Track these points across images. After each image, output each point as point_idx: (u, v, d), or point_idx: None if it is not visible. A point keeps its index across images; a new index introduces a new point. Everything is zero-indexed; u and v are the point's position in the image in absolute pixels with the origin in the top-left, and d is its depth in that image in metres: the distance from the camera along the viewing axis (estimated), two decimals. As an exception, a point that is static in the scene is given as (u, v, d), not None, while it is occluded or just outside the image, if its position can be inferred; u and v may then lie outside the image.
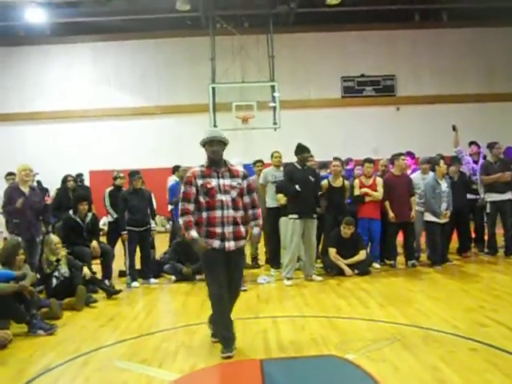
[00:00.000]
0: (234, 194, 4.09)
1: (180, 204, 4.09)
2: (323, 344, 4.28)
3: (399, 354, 3.96)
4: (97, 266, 7.20)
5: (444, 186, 7.56)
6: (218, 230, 4.02)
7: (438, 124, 14.47)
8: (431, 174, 7.88)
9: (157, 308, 6.12)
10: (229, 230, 4.04)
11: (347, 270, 7.08)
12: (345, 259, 7.18)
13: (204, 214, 4.04)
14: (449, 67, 15.28)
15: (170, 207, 9.52)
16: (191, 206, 4.04)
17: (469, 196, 8.33)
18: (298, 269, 7.17)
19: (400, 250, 7.94)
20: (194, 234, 4.00)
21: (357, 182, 7.76)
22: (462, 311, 5.16)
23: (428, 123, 14.89)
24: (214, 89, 13.86)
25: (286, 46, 14.73)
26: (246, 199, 4.20)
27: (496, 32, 15.39)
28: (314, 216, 6.92)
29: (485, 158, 8.90)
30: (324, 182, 7.44)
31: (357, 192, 7.66)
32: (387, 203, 7.54)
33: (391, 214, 7.46)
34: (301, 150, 6.91)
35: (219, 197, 4.02)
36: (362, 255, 7.23)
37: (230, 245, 4.06)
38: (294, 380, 3.61)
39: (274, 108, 13.81)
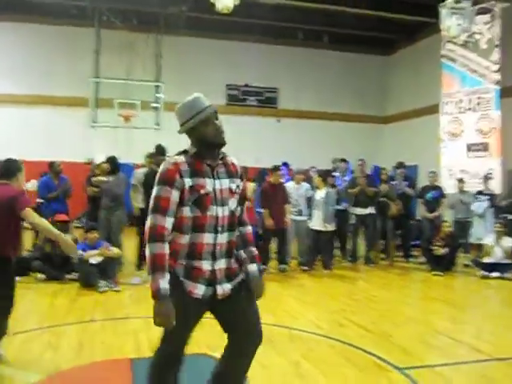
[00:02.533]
0: (233, 204, 2.49)
1: (149, 217, 2.35)
2: (195, 343, 4.33)
3: (266, 352, 4.15)
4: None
5: (319, 195, 8.08)
6: (206, 266, 2.41)
7: (314, 138, 15.40)
8: (304, 184, 8.41)
9: (21, 308, 5.73)
10: (220, 265, 2.45)
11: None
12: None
13: (184, 239, 2.39)
14: (327, 86, 16.22)
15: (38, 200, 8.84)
16: (169, 223, 2.34)
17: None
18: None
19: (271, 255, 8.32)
20: (163, 284, 2.25)
21: None
22: (326, 313, 5.58)
23: (305, 137, 15.69)
24: (96, 83, 13.38)
25: (174, 48, 14.66)
26: (238, 211, 2.57)
27: (369, 59, 16.73)
28: None
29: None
30: None
31: None
32: (265, 211, 7.87)
33: (269, 222, 7.80)
34: (159, 151, 6.87)
35: (214, 210, 2.41)
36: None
37: (225, 288, 2.46)
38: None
39: (158, 108, 13.70)
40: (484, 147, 11.37)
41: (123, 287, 6.54)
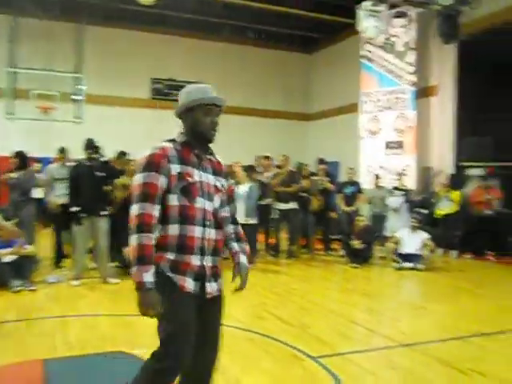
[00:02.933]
0: (217, 201, 2.43)
1: (135, 206, 2.23)
2: (112, 341, 4.30)
3: (185, 347, 4.19)
4: None
5: (242, 189, 8.16)
6: (195, 260, 2.31)
7: (240, 134, 15.48)
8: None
9: None
10: (208, 262, 2.37)
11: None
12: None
13: (174, 229, 2.29)
14: (253, 83, 16.35)
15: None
16: (156, 211, 2.24)
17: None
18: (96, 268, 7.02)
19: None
20: (148, 277, 2.15)
21: None
22: (246, 307, 5.66)
23: (230, 132, 15.68)
24: (12, 73, 12.72)
25: (98, 39, 14.18)
26: (227, 211, 2.58)
27: (293, 56, 17.06)
28: (102, 214, 6.64)
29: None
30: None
31: None
32: None
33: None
34: (89, 146, 6.73)
35: (201, 202, 2.34)
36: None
37: (213, 288, 2.41)
38: (78, 377, 3.56)
39: (78, 101, 13.24)
40: (400, 145, 11.97)
41: (39, 286, 6.30)
